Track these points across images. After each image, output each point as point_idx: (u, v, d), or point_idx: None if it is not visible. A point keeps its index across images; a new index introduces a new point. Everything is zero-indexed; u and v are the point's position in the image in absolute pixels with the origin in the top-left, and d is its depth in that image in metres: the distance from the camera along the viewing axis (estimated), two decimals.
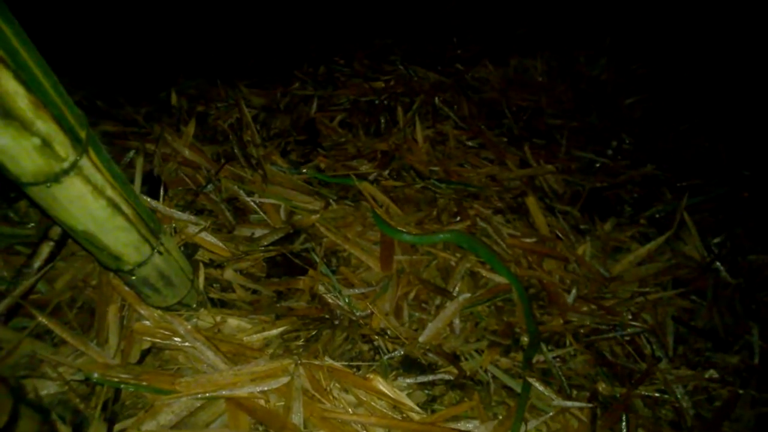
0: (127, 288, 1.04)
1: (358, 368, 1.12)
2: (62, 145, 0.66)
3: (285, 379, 0.98)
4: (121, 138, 1.58)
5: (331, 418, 0.97)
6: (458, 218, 1.58)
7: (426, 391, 1.12)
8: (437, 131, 1.98)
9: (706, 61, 2.76)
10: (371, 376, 1.04)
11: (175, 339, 1.02)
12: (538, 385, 1.14)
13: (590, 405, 1.14)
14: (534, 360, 1.22)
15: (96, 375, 0.92)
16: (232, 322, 1.13)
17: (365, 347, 1.18)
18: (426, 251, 1.45)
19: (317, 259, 1.34)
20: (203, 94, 1.94)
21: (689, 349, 1.38)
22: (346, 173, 1.67)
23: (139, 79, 1.98)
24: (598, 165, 2.04)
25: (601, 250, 1.59)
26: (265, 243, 1.36)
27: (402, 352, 1.18)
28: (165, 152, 1.52)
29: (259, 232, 1.39)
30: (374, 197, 1.56)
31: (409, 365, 1.16)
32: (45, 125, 0.63)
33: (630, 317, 1.38)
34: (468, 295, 1.31)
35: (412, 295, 1.32)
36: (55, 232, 1.09)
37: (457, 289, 1.35)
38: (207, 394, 0.94)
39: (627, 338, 1.35)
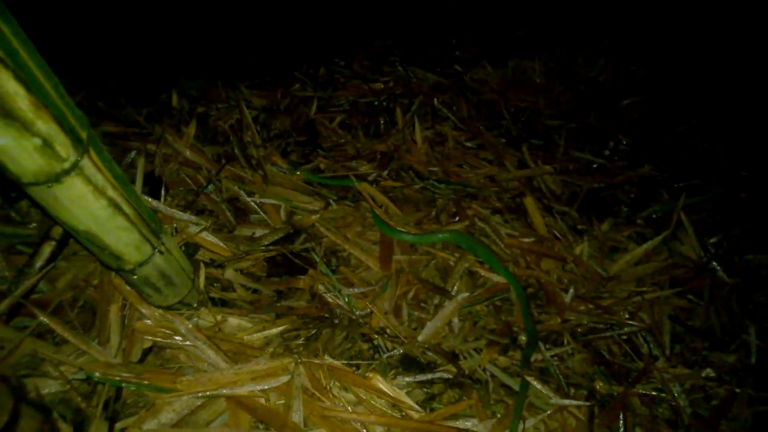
0: (128, 287, 1.04)
1: (358, 367, 1.12)
2: (63, 146, 0.67)
3: (285, 378, 0.99)
4: (122, 138, 1.59)
5: (331, 416, 0.98)
6: (457, 218, 1.59)
7: (425, 390, 1.13)
8: (436, 132, 1.99)
9: (704, 62, 2.77)
10: (371, 375, 1.05)
11: (176, 338, 1.03)
12: (536, 384, 1.15)
13: (588, 403, 1.15)
14: (532, 359, 1.23)
15: (97, 374, 0.93)
16: (233, 321, 1.14)
17: (365, 346, 1.19)
18: (425, 251, 1.46)
19: (317, 259, 1.35)
20: (204, 95, 1.95)
21: (686, 348, 1.39)
22: (346, 174, 1.68)
23: (140, 80, 1.99)
24: (595, 165, 2.05)
25: (598, 250, 1.60)
26: (266, 243, 1.37)
27: (401, 351, 1.18)
28: (166, 153, 1.53)
29: (259, 232, 1.40)
30: (373, 197, 1.57)
31: (408, 364, 1.17)
32: (46, 126, 0.64)
33: (627, 316, 1.39)
34: (466, 294, 1.32)
35: (411, 294, 1.33)
36: (57, 231, 1.10)
37: (455, 288, 1.36)
38: (208, 393, 0.95)
39: (624, 337, 1.36)
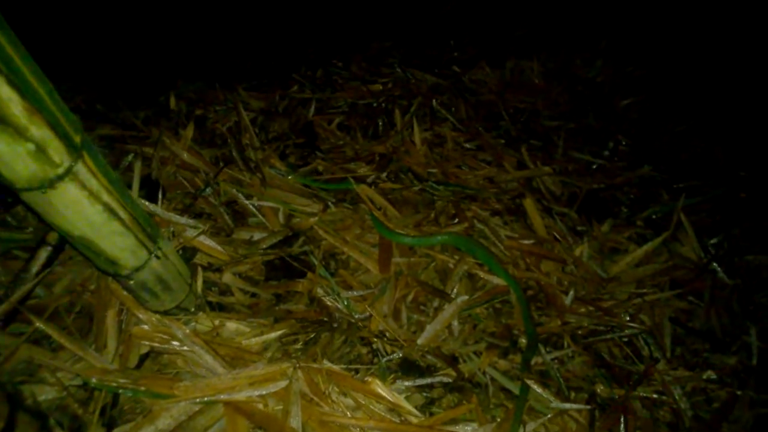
0: (125, 292, 1.04)
1: (357, 371, 1.12)
2: (57, 151, 0.66)
3: (283, 383, 0.98)
4: (119, 141, 1.58)
5: (330, 421, 0.97)
6: (456, 220, 1.58)
7: (424, 394, 1.12)
8: (435, 133, 1.99)
9: (703, 62, 2.77)
10: (369, 379, 1.04)
11: (174, 343, 1.03)
12: (537, 387, 1.14)
13: (588, 407, 1.14)
14: (532, 362, 1.22)
15: (94, 380, 0.92)
16: (231, 325, 1.13)
17: (364, 350, 1.18)
18: (424, 253, 1.46)
19: (316, 262, 1.34)
20: (202, 98, 1.95)
21: (687, 350, 1.38)
22: (344, 176, 1.67)
23: (138, 83, 1.98)
24: (594, 166, 2.04)
25: (598, 251, 1.60)
26: (264, 246, 1.36)
27: (400, 355, 1.18)
28: (163, 156, 1.53)
29: (257, 235, 1.39)
30: (372, 200, 1.57)
31: (408, 368, 1.16)
32: (39, 131, 0.63)
33: (628, 318, 1.38)
34: (466, 297, 1.31)
35: (410, 297, 1.32)
36: (53, 236, 1.09)
37: (455, 291, 1.36)
38: (205, 399, 0.94)
39: (625, 339, 1.35)
